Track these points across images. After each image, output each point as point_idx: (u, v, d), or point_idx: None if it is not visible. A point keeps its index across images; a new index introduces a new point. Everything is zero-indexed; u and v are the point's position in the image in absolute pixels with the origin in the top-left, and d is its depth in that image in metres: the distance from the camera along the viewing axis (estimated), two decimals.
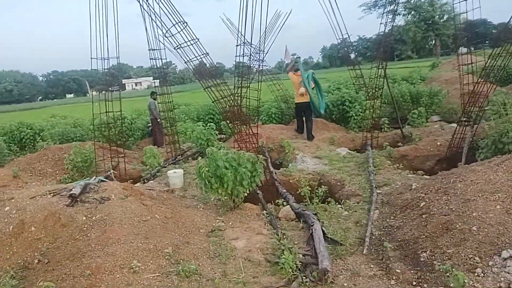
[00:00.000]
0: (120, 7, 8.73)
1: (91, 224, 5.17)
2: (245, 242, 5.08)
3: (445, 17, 64.34)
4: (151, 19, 7.32)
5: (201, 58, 6.62)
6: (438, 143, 9.28)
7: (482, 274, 3.51)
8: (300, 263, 4.20)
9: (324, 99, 13.09)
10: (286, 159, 10.19)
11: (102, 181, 7.38)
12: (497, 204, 4.29)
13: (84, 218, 5.30)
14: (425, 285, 3.72)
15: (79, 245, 4.80)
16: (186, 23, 6.47)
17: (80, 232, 5.08)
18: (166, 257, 4.52)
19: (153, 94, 14.31)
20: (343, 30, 14.48)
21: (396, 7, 11.44)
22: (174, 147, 12.05)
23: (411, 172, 7.90)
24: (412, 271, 3.98)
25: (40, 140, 13.53)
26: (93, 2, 8.68)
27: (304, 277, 4.01)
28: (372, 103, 11.11)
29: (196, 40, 6.56)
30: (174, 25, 6.49)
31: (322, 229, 4.95)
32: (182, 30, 6.50)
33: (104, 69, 10.31)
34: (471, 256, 3.65)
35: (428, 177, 6.78)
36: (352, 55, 17.15)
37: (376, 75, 10.55)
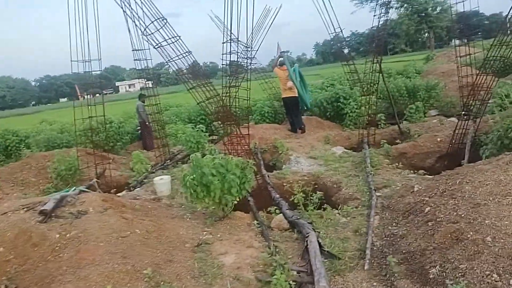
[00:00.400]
0: (111, 9, 8.22)
1: (64, 242, 4.70)
2: (234, 257, 4.62)
3: (438, 9, 64.06)
4: (130, 17, 6.82)
5: (183, 56, 6.15)
6: (438, 139, 8.85)
7: None
8: (294, 283, 3.74)
9: (309, 95, 12.82)
10: (279, 161, 9.74)
11: (83, 191, 6.91)
12: (511, 209, 3.85)
13: (58, 235, 4.82)
14: None
15: (50, 267, 4.33)
16: (166, 19, 6.01)
17: (53, 252, 4.60)
18: (145, 279, 4.04)
19: (141, 96, 13.83)
20: (335, 25, 14.03)
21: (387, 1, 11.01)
22: (163, 151, 11.58)
23: (412, 171, 7.46)
24: None
25: (25, 148, 12.99)
26: (72, 4, 8.24)
27: None
28: (367, 99, 10.68)
29: (177, 38, 6.08)
30: (152, 22, 6.02)
31: (318, 241, 4.50)
32: (162, 27, 6.02)
33: (91, 71, 9.78)
34: (488, 272, 3.20)
35: (431, 177, 6.34)
36: (346, 51, 16.67)
37: (371, 70, 10.10)
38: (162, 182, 7.72)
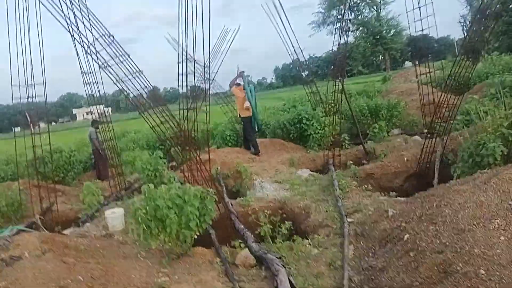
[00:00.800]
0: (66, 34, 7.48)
1: None
2: None
3: (392, 31, 66.63)
4: (73, 36, 6.19)
5: (132, 77, 5.59)
6: (405, 159, 8.62)
7: None
8: None
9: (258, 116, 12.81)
10: (243, 186, 9.21)
11: (22, 231, 6.11)
12: (499, 234, 3.49)
13: None
14: None
15: None
16: (113, 36, 5.45)
17: None
18: None
19: (94, 122, 12.98)
20: (296, 47, 13.85)
21: (345, 24, 10.96)
22: (119, 180, 10.79)
23: (382, 193, 7.10)
24: None
25: None
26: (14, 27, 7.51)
27: None
28: (330, 120, 10.42)
29: (126, 56, 5.53)
30: (97, 39, 5.44)
31: (289, 279, 3.97)
32: (109, 45, 5.46)
33: (35, 97, 9.01)
34: None
35: (403, 199, 5.98)
36: (304, 74, 16.64)
37: (334, 90, 9.86)
38: (114, 216, 7.00)
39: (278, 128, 12.94)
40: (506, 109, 6.79)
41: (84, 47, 5.86)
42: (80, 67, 9.13)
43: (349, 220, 5.72)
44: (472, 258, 3.28)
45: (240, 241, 5.18)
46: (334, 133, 10.44)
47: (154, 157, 10.21)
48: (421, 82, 11.95)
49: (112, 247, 5.82)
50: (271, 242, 5.00)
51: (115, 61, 5.45)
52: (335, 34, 10.17)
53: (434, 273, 3.37)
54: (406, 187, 8.31)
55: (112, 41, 5.48)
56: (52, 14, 6.01)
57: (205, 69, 7.34)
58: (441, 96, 7.65)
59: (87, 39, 5.51)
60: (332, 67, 10.65)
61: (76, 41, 5.89)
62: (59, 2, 6.04)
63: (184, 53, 7.09)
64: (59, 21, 5.54)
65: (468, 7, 53.33)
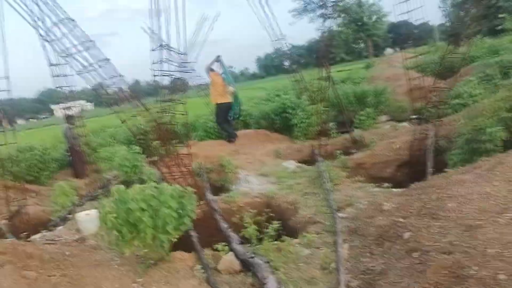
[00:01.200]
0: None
1: None
2: None
3: (374, 17, 66.26)
4: (31, 24, 5.55)
5: (99, 66, 5.03)
6: (396, 146, 8.25)
7: None
8: None
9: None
10: (227, 181, 8.74)
11: None
12: None
13: None
14: None
15: None
16: (74, 21, 4.87)
17: None
18: None
19: (69, 118, 12.28)
20: (278, 35, 13.33)
21: (327, 9, 10.52)
22: (96, 178, 10.21)
23: (374, 184, 6.71)
24: None
25: None
26: None
27: None
28: (316, 107, 9.99)
29: (90, 42, 4.97)
30: (55, 24, 4.86)
31: None
32: (70, 31, 4.88)
33: None
34: None
35: (398, 191, 5.59)
36: (287, 63, 16.19)
37: (319, 77, 9.41)
38: (87, 219, 6.46)
39: (262, 118, 12.46)
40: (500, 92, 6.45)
41: (41, 33, 5.27)
42: (48, 58, 8.46)
43: (341, 215, 5.30)
44: (487, 260, 2.87)
45: (224, 243, 4.70)
46: (320, 122, 10.03)
47: (132, 152, 9.68)
48: (407, 67, 11.65)
49: (83, 254, 5.29)
50: (257, 243, 4.54)
51: (77, 49, 4.88)
52: (316, 21, 9.78)
53: (444, 279, 2.96)
54: (398, 176, 7.94)
55: (75, 27, 4.91)
56: None
57: (182, 56, 6.78)
58: (434, 81, 7.25)
59: (44, 24, 4.92)
60: (316, 54, 10.20)
61: (32, 26, 5.32)
62: None
63: (160, 42, 6.58)
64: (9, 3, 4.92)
65: None
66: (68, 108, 10.97)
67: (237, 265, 4.33)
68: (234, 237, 5.02)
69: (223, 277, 4.27)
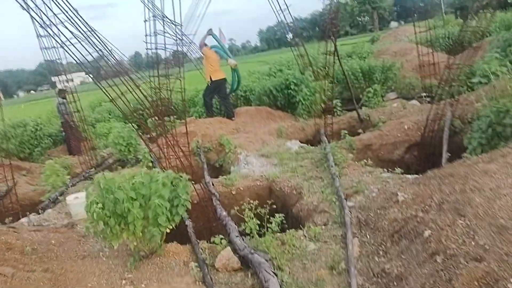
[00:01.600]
0: None
1: None
2: None
3: None
4: None
5: (85, 38, 4.49)
6: (406, 127, 7.76)
7: None
8: None
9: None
10: (226, 161, 8.30)
11: None
12: None
13: None
14: None
15: None
16: None
17: None
18: None
19: (61, 92, 11.74)
20: (282, 5, 12.60)
21: None
22: (91, 155, 9.79)
23: (383, 168, 6.25)
24: None
25: None
26: None
27: None
28: (322, 84, 9.46)
29: (72, 11, 4.41)
30: None
31: None
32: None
33: None
34: None
35: (412, 177, 5.14)
36: (289, 36, 15.48)
37: (325, 51, 8.83)
38: (78, 202, 6.03)
39: (264, 94, 11.90)
40: None
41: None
42: (35, 30, 7.90)
43: (349, 204, 4.87)
44: None
45: (221, 237, 4.28)
46: (325, 99, 9.52)
47: (127, 129, 9.22)
48: (415, 42, 11.03)
49: (70, 242, 4.90)
50: (258, 236, 4.12)
51: (59, 19, 4.33)
52: None
53: None
54: (407, 159, 7.52)
55: None
56: None
57: (179, 27, 6.22)
58: (448, 58, 6.70)
59: None
60: (322, 26, 9.56)
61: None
62: None
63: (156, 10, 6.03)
64: None
65: None
66: (69, 80, 10.46)
67: (236, 262, 3.91)
68: (233, 228, 4.61)
69: (220, 275, 3.86)
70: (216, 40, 11.05)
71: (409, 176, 5.33)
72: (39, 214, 6.61)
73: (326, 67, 9.03)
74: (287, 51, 13.93)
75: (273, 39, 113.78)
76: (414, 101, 9.97)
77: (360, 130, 8.36)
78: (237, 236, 4.30)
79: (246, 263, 3.90)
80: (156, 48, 6.22)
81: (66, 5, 4.57)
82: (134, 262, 4.12)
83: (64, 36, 4.68)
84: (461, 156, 5.26)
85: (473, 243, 2.94)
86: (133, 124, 6.62)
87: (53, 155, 11.62)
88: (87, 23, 4.59)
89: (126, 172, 4.18)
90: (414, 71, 12.51)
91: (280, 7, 12.40)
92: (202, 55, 11.04)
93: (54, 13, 4.26)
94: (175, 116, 10.78)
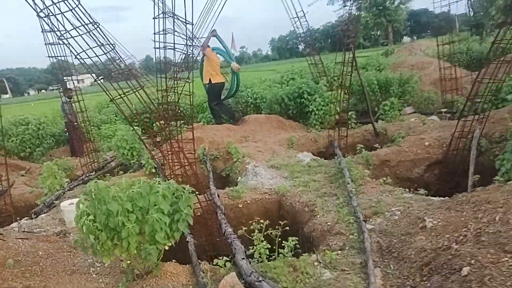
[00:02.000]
0: None
1: None
2: None
3: (396, 2, 63.75)
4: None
5: (87, 29, 4.07)
6: (426, 143, 7.27)
7: None
8: None
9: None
10: (234, 171, 7.86)
11: None
12: None
13: None
14: None
15: None
16: None
17: None
18: None
19: (66, 91, 11.38)
20: (298, 12, 12.24)
21: None
22: (93, 157, 9.40)
23: (401, 186, 5.77)
24: None
25: None
26: None
27: None
28: (335, 94, 9.03)
29: (96, 25, 4.03)
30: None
31: None
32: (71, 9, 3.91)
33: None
34: None
35: (438, 200, 4.65)
36: (301, 47, 15.08)
37: (343, 60, 8.40)
38: (72, 209, 5.57)
39: (275, 103, 11.48)
40: None
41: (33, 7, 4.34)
42: (40, 25, 7.54)
43: (368, 226, 4.40)
44: None
45: (225, 259, 3.81)
46: (340, 110, 9.08)
47: (130, 132, 8.81)
48: (431, 56, 10.60)
49: (59, 254, 4.48)
50: (266, 259, 3.65)
51: (77, 29, 3.92)
52: (337, 2, 8.79)
53: None
54: (427, 178, 7.02)
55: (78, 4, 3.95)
56: None
57: (188, 26, 5.82)
58: (483, 71, 6.23)
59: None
60: (340, 34, 9.15)
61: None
62: None
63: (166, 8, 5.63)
64: None
65: None
66: (79, 80, 10.15)
67: None
68: (239, 247, 4.14)
69: None
70: (219, 41, 10.87)
71: (434, 198, 4.85)
72: (31, 219, 6.20)
73: (342, 78, 8.60)
74: (298, 61, 13.55)
75: (284, 49, 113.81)
76: (433, 117, 9.47)
77: (376, 145, 7.87)
78: (243, 259, 3.83)
79: None
80: (164, 48, 5.81)
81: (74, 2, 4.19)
82: (126, 282, 3.68)
83: (65, 29, 4.28)
84: (493, 180, 4.78)
85: None
86: (134, 127, 6.19)
87: (55, 155, 11.26)
88: (90, 15, 4.18)
89: (124, 180, 3.75)
90: (433, 86, 12.04)
91: (296, 13, 12.06)
92: (204, 56, 10.71)
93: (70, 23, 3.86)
94: (182, 121, 10.44)
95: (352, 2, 9.35)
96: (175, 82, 6.58)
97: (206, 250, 5.09)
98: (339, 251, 4.04)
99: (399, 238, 3.94)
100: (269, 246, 3.53)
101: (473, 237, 3.25)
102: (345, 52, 8.45)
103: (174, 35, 5.72)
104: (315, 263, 3.85)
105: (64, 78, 10.87)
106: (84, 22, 4.04)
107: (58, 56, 7.95)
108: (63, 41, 4.01)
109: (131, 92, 4.63)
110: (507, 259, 2.78)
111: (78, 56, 3.85)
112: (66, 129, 11.67)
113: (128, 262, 3.61)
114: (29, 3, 4.73)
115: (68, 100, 10.93)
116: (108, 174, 8.28)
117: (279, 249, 3.48)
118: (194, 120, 11.04)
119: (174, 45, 5.80)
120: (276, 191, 6.29)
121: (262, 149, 8.56)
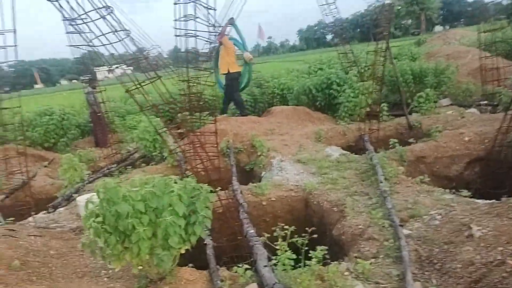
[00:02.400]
0: None
1: None
2: None
3: None
4: None
5: (102, 18, 3.78)
6: (466, 138, 6.71)
7: None
8: None
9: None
10: (258, 165, 7.51)
11: None
12: None
13: None
14: None
15: None
16: None
17: None
18: None
19: (91, 81, 11.26)
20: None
21: None
22: (116, 149, 9.24)
23: (438, 185, 5.29)
24: None
25: None
26: None
27: None
28: (367, 85, 8.53)
29: (110, 9, 3.73)
30: None
31: None
32: None
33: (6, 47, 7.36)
34: None
35: (483, 203, 4.17)
36: (329, 37, 14.55)
37: (375, 50, 7.89)
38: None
39: (302, 94, 11.03)
40: None
41: None
42: (61, 12, 7.31)
43: (404, 231, 3.97)
44: None
45: (246, 267, 3.46)
46: (371, 101, 8.58)
47: (154, 124, 8.57)
48: (465, 44, 9.94)
49: (71, 254, 4.24)
50: (289, 268, 3.29)
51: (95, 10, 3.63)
52: None
53: None
54: (466, 176, 6.49)
55: None
56: None
57: (212, 12, 5.47)
58: None
59: None
60: (373, 24, 8.62)
61: None
62: None
63: None
64: None
65: None
66: (110, 71, 9.97)
67: None
68: (260, 252, 3.79)
69: None
70: (236, 30, 10.57)
71: (479, 201, 4.35)
72: (49, 213, 6.03)
73: (374, 68, 8.09)
74: (326, 51, 13.05)
75: (312, 39, 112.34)
76: (472, 109, 8.84)
77: (412, 140, 7.35)
78: (265, 266, 3.47)
79: None
80: (186, 35, 5.48)
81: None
82: (141, 286, 3.39)
83: (78, 15, 3.99)
84: None
85: None
86: (150, 119, 5.93)
87: (79, 146, 11.21)
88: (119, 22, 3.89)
89: (137, 177, 3.45)
90: (471, 76, 11.33)
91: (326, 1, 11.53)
92: (221, 44, 10.35)
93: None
94: (207, 113, 10.16)
95: None
96: (199, 71, 6.25)
97: (226, 251, 4.79)
98: (373, 260, 3.64)
99: (441, 247, 3.50)
100: (295, 257, 3.16)
101: None
102: (377, 41, 7.94)
103: (195, 21, 5.39)
104: (346, 273, 3.46)
105: (94, 68, 10.79)
106: (97, 7, 3.73)
107: (78, 46, 7.73)
108: (74, 27, 3.73)
109: (147, 82, 4.32)
110: None
111: (90, 43, 3.55)
112: (90, 119, 11.59)
113: (140, 267, 3.31)
114: None
115: (92, 90, 10.83)
116: (130, 167, 8.08)
117: (305, 260, 3.10)
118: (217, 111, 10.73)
119: (196, 33, 5.47)
120: (302, 188, 5.89)
121: (288, 143, 8.17)
